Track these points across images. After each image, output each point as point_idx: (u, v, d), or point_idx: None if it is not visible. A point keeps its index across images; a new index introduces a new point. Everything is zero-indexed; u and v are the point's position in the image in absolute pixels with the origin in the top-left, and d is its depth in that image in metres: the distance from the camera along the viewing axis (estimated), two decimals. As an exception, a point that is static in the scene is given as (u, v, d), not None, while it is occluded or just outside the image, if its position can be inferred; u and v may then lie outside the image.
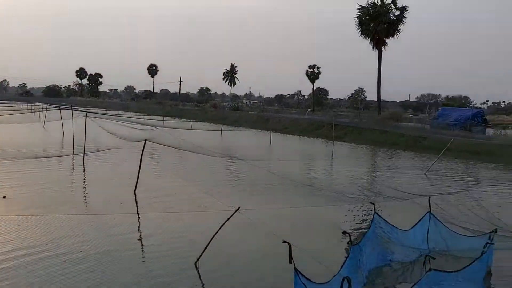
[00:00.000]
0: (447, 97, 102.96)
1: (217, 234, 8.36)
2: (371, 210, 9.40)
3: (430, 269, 6.53)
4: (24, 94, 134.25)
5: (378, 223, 9.08)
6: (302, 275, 6.12)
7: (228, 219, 8.30)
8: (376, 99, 58.59)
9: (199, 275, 8.08)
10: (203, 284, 7.83)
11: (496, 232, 8.56)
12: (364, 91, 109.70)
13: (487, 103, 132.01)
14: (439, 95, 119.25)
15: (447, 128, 38.93)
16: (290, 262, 6.05)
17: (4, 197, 12.60)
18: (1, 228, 10.13)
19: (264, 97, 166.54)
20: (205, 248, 8.36)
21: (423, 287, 6.53)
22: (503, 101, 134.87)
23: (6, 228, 10.14)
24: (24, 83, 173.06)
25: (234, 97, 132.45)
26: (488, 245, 8.12)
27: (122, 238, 10.03)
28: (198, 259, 8.39)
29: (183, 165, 21.67)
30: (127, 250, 9.31)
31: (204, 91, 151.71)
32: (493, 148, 31.10)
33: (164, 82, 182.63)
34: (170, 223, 11.28)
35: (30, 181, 15.34)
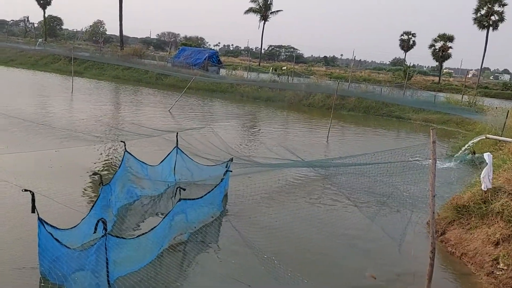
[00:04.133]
0: (185, 37, 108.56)
1: None
2: (122, 149, 9.27)
3: (180, 199, 7.04)
4: None
5: (128, 161, 9.09)
6: (47, 223, 5.65)
7: None
8: (117, 34, 56.45)
9: None
10: None
11: (232, 160, 9.86)
12: (104, 24, 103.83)
13: (219, 45, 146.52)
14: (178, 34, 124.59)
15: (187, 67, 41.27)
16: (33, 211, 5.49)
17: None
18: None
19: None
20: None
21: (174, 216, 7.03)
22: (232, 44, 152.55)
23: None
24: None
25: None
26: (226, 172, 9.31)
27: None
28: None
29: None
30: None
31: None
32: (225, 86, 35.06)
33: None
34: None
35: None
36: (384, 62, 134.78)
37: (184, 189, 7.26)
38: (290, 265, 6.86)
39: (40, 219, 5.57)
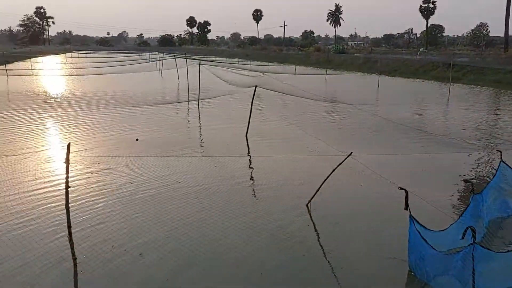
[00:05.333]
0: None
1: (328, 178, 8.52)
2: (495, 158, 8.73)
3: None
4: (141, 44, 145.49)
5: (503, 172, 8.44)
6: (417, 222, 6.06)
7: (340, 163, 8.37)
8: (501, 35, 51.83)
9: (311, 216, 8.39)
10: (314, 224, 8.12)
11: None
12: (488, 26, 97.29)
13: None
14: None
15: None
16: (406, 208, 6.01)
17: (137, 139, 14.26)
18: (139, 165, 11.47)
19: (371, 37, 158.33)
20: (317, 190, 8.61)
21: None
22: None
23: (143, 166, 11.48)
24: (141, 34, 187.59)
25: (338, 39, 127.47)
26: None
27: (236, 178, 10.65)
28: (310, 201, 8.69)
29: (290, 110, 21.95)
30: (240, 189, 9.92)
31: (308, 35, 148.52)
32: None
33: (268, 27, 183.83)
34: (282, 166, 11.72)
35: (155, 126, 16.97)
36: None
37: None
38: None
39: (411, 217, 6.05)
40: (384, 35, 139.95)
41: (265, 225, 7.95)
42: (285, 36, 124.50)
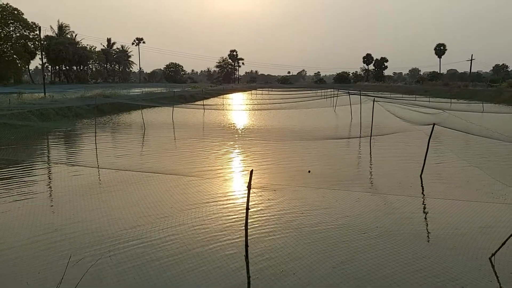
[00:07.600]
0: None
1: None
2: None
3: None
4: (318, 82, 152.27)
5: None
6: None
7: (534, 215, 7.34)
8: None
9: (494, 270, 7.47)
10: (498, 278, 7.20)
11: None
12: None
13: None
14: None
15: None
16: None
17: (309, 171, 14.88)
18: (309, 195, 11.95)
19: None
20: (504, 242, 7.64)
21: None
22: None
23: (313, 196, 11.92)
24: (318, 72, 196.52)
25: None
26: None
27: (408, 220, 10.14)
28: (494, 254, 7.77)
29: (474, 151, 19.89)
30: (412, 232, 9.38)
31: (500, 68, 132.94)
32: None
33: (452, 62, 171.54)
34: (460, 212, 10.71)
35: (326, 159, 17.47)
36: None
37: None
38: None
39: None
40: None
41: (440, 276, 7.38)
42: (472, 70, 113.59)
